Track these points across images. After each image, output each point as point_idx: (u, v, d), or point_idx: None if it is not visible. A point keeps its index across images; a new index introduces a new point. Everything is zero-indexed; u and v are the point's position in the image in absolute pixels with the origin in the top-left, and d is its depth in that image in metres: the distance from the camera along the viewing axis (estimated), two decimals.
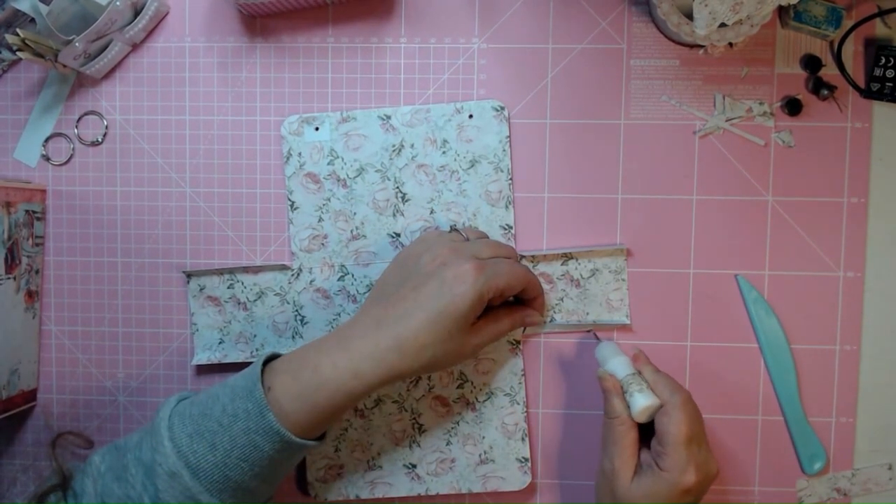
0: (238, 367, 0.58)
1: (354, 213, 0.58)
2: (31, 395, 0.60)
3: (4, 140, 0.61)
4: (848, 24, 0.56)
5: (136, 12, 0.58)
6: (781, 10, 0.57)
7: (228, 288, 0.59)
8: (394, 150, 0.58)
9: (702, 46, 0.55)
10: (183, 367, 0.60)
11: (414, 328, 0.49)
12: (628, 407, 0.51)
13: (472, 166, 0.58)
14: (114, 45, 0.58)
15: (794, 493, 0.58)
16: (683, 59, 0.58)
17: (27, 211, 0.58)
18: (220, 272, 0.59)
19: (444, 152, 0.58)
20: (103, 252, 0.60)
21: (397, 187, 0.58)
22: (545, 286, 0.57)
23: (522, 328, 0.57)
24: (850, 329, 0.57)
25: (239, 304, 0.59)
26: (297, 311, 0.59)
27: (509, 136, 0.58)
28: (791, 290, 0.58)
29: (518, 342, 0.58)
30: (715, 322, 0.58)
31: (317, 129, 0.58)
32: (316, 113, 0.58)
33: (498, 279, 0.50)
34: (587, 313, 0.58)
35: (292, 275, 0.59)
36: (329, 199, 0.58)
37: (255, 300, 0.59)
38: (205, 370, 0.60)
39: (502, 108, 0.57)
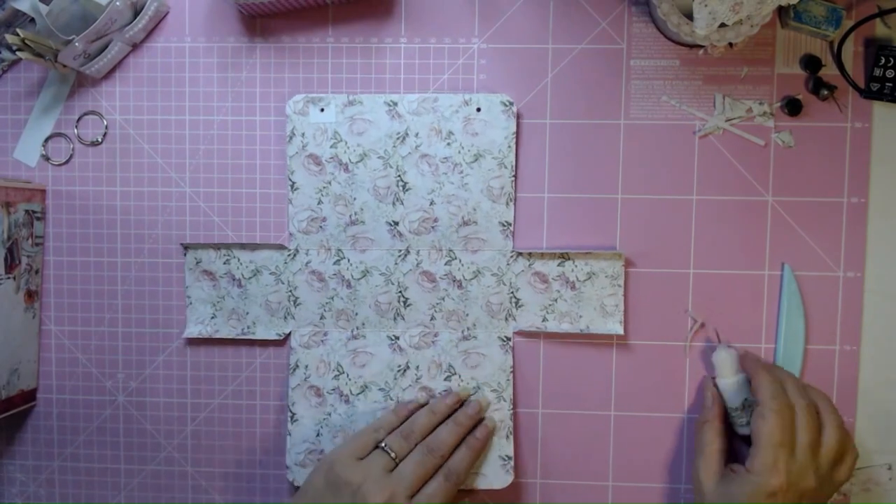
0: (229, 343, 0.60)
1: (354, 199, 0.58)
2: (30, 395, 0.60)
3: (4, 140, 0.61)
4: (848, 24, 0.56)
5: (136, 12, 0.58)
6: (781, 10, 0.57)
7: (224, 263, 0.59)
8: (398, 138, 0.58)
9: (702, 46, 0.55)
10: (183, 367, 0.60)
11: None
12: (721, 416, 0.54)
13: (476, 160, 0.57)
14: (114, 45, 0.58)
15: None
16: (683, 59, 0.58)
17: (27, 211, 0.58)
18: (217, 247, 0.59)
19: (448, 144, 0.57)
20: (103, 252, 0.60)
21: (399, 176, 0.58)
22: (540, 286, 0.57)
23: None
24: (850, 329, 0.57)
25: (234, 280, 0.59)
26: (290, 291, 0.59)
27: (516, 133, 0.58)
28: None
29: (509, 339, 0.58)
30: (714, 322, 0.58)
31: (322, 110, 0.58)
32: (322, 94, 0.58)
33: None
34: (580, 316, 0.58)
35: (288, 255, 0.59)
36: (330, 183, 0.58)
37: (251, 277, 0.59)
38: (196, 343, 0.60)
39: (511, 104, 0.57)
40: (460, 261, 0.58)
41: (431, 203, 0.58)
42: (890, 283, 0.58)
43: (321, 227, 0.58)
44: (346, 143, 0.58)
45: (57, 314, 0.61)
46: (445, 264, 0.58)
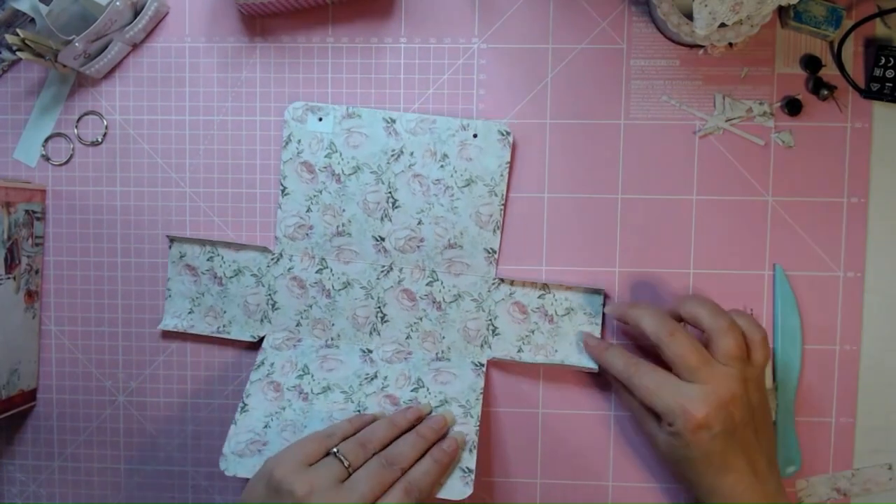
0: (230, 343, 0.60)
1: (343, 210, 0.58)
2: (30, 395, 0.60)
3: (4, 140, 0.61)
4: (848, 24, 0.56)
5: (136, 12, 0.58)
6: (781, 10, 0.57)
7: (208, 260, 0.59)
8: (392, 155, 0.58)
9: (702, 46, 0.55)
10: (183, 367, 0.60)
11: None
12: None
13: (468, 185, 0.57)
14: (114, 45, 0.58)
15: (794, 493, 0.58)
16: (683, 59, 0.58)
17: (27, 211, 0.58)
18: (202, 243, 0.59)
19: (442, 166, 0.57)
20: (103, 252, 0.60)
21: (390, 192, 0.58)
22: (518, 316, 0.57)
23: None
24: (850, 329, 0.57)
25: (215, 277, 0.59)
26: (270, 295, 0.59)
27: (510, 162, 0.57)
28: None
29: (482, 365, 0.57)
30: None
31: (320, 119, 0.58)
32: (321, 103, 0.58)
33: None
34: (556, 350, 0.57)
35: (272, 259, 0.59)
36: (321, 192, 0.58)
37: (232, 277, 0.59)
38: (171, 337, 0.60)
39: (507, 134, 0.57)
40: (442, 283, 0.58)
41: (419, 223, 0.58)
42: (890, 283, 0.58)
43: (307, 234, 0.58)
44: (341, 154, 0.58)
45: (57, 314, 0.61)
46: (427, 285, 0.58)
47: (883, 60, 0.56)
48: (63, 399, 0.61)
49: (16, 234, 0.57)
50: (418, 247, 0.58)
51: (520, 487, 0.59)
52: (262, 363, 0.58)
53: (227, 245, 0.59)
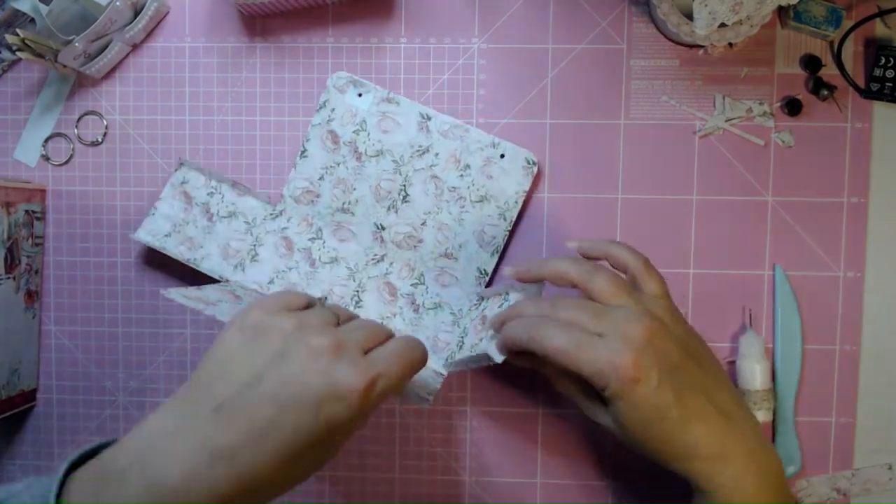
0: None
1: (354, 189, 0.58)
2: (31, 395, 0.60)
3: (4, 140, 0.61)
4: (848, 24, 0.56)
5: (136, 12, 0.58)
6: (781, 10, 0.57)
7: (207, 194, 0.59)
8: (418, 151, 0.57)
9: (702, 46, 0.56)
10: (183, 367, 0.60)
11: (263, 468, 0.37)
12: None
13: (481, 202, 0.57)
14: (114, 45, 0.58)
15: (794, 493, 0.58)
16: (683, 59, 0.58)
17: (27, 211, 0.58)
18: (209, 175, 0.59)
19: (461, 176, 0.57)
20: (103, 252, 0.61)
21: (404, 185, 0.58)
22: (479, 328, 0.53)
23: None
24: (850, 329, 0.57)
25: (207, 213, 0.58)
26: (255, 246, 0.58)
27: (527, 192, 0.57)
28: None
29: (442, 374, 0.55)
30: (715, 322, 0.58)
31: (360, 94, 0.58)
32: (366, 80, 0.58)
33: (390, 380, 0.40)
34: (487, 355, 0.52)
35: (270, 214, 0.58)
36: (338, 164, 0.58)
37: (225, 217, 0.58)
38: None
39: (534, 164, 0.57)
40: (427, 288, 0.57)
41: (423, 223, 0.57)
42: (890, 283, 0.58)
43: (313, 201, 0.58)
44: (369, 134, 0.58)
45: (57, 314, 0.61)
46: (412, 285, 0.58)
47: (883, 60, 0.56)
48: (63, 399, 0.61)
49: (16, 234, 0.57)
50: (415, 246, 0.58)
51: (520, 487, 0.59)
52: (227, 288, 0.56)
53: (233, 185, 0.58)
